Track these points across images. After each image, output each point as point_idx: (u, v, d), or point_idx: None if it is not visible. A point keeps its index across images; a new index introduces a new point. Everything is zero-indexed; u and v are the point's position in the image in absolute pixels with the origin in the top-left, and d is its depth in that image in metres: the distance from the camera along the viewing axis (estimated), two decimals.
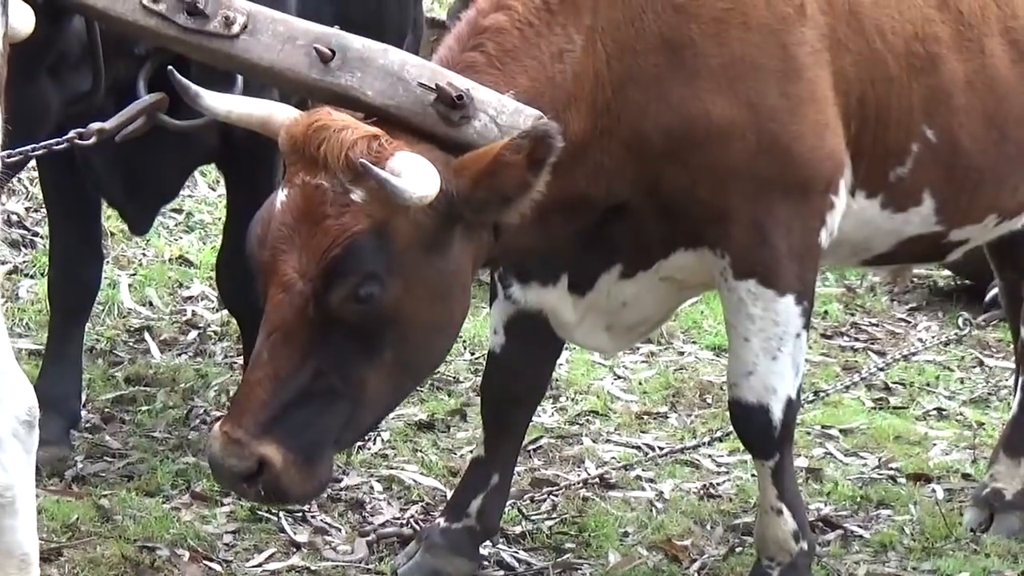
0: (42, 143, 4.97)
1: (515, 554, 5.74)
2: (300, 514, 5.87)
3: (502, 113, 4.65)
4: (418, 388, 6.59)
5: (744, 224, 5.08)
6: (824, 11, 5.07)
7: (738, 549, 5.84)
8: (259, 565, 5.51)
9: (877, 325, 8.08)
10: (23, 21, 4.18)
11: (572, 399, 6.92)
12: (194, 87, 4.70)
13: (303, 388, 4.57)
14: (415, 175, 4.40)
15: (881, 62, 5.19)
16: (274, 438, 4.51)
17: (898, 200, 5.40)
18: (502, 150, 4.51)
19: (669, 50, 4.94)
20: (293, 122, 4.62)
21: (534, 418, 5.98)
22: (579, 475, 6.40)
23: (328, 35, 4.75)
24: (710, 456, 6.58)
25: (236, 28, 4.70)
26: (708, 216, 5.09)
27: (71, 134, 4.97)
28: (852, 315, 8.15)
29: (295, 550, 5.65)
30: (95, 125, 4.97)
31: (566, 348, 6.01)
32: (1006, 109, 5.44)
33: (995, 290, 6.86)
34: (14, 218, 7.65)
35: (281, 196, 4.61)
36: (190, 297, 7.59)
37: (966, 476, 6.55)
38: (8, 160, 3.85)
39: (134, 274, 7.67)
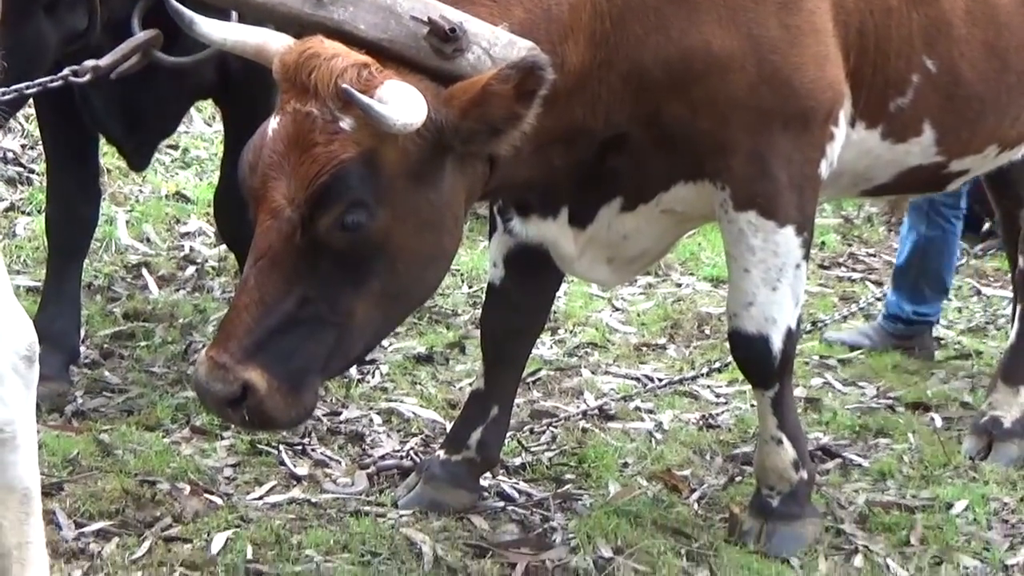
0: (38, 81, 4.96)
1: (515, 485, 5.75)
2: (300, 447, 5.89)
3: (495, 45, 4.61)
4: (416, 321, 6.60)
5: (744, 156, 5.07)
6: None
7: (737, 479, 5.86)
8: (260, 498, 5.51)
9: (874, 255, 8.09)
10: None
11: (571, 331, 6.94)
12: (189, 13, 4.66)
13: (289, 315, 4.55)
14: (401, 103, 4.38)
15: None
16: (259, 364, 4.50)
17: (898, 131, 5.40)
18: (490, 80, 4.47)
19: None
20: (287, 50, 4.59)
21: (533, 350, 5.98)
22: (578, 407, 6.42)
23: None
24: (709, 387, 6.60)
25: None
26: (708, 148, 5.08)
27: (66, 71, 4.97)
28: (849, 246, 8.17)
29: (295, 483, 5.66)
30: (90, 62, 4.96)
31: (565, 281, 5.99)
32: (1006, 38, 5.43)
33: (992, 219, 6.85)
34: (10, 155, 7.64)
35: (272, 123, 4.59)
36: (187, 233, 7.60)
37: (964, 405, 6.57)
38: (4, 98, 3.83)
39: (131, 210, 7.67)
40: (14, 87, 4.63)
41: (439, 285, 5.04)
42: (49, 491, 4.84)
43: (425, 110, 4.41)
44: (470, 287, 7.44)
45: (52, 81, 4.97)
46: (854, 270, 7.94)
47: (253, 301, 4.54)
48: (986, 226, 7.46)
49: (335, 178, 4.45)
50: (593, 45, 4.90)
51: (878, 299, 7.55)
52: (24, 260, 6.67)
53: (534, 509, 5.61)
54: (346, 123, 4.45)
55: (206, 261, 7.33)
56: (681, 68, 4.93)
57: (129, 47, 5.03)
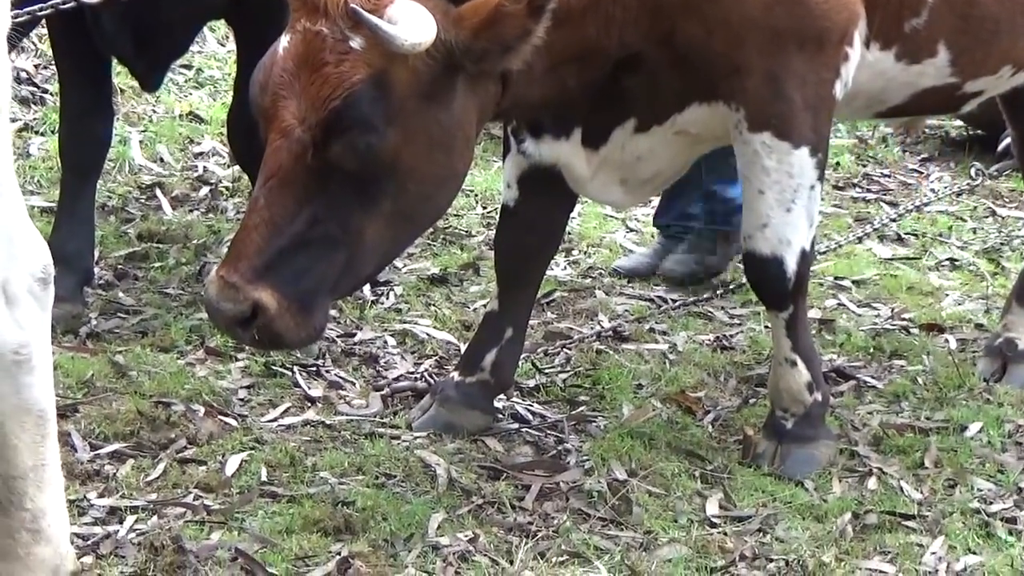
0: (49, 2, 4.95)
1: (529, 407, 5.76)
2: (314, 369, 5.90)
3: None
4: (430, 242, 6.60)
5: (759, 77, 5.06)
6: None
7: (751, 401, 5.86)
8: (274, 420, 5.54)
9: (889, 176, 8.08)
10: None
11: (585, 252, 6.94)
12: None
13: (300, 235, 4.60)
14: (410, 23, 4.40)
15: None
16: (269, 283, 4.55)
17: (913, 52, 5.38)
18: (506, 2, 4.49)
19: None
20: None
21: (547, 272, 5.97)
22: (592, 328, 6.43)
23: None
24: (723, 308, 6.60)
25: None
26: (723, 69, 5.06)
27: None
28: (864, 166, 8.15)
29: (309, 404, 5.68)
30: None
31: (579, 202, 5.98)
32: None
33: (1007, 140, 6.83)
34: (23, 75, 7.64)
35: (283, 42, 4.63)
36: (201, 153, 7.60)
37: (979, 326, 6.57)
38: (17, 20, 3.82)
39: (145, 131, 7.67)
40: (27, 9, 4.63)
41: (450, 205, 5.06)
42: (64, 413, 4.86)
43: (434, 30, 4.43)
44: (484, 208, 7.43)
45: (64, 2, 4.96)
46: (869, 191, 7.92)
47: (263, 221, 4.58)
48: (1001, 146, 7.43)
49: (346, 100, 4.48)
50: None
51: (893, 220, 7.54)
52: (38, 180, 6.68)
53: (548, 431, 5.62)
54: (356, 43, 4.48)
55: (220, 181, 7.33)
56: None
57: None
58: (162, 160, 7.50)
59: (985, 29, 5.46)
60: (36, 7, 4.85)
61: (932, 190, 7.93)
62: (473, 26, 4.54)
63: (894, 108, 5.73)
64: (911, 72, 5.45)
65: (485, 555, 4.79)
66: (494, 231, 5.77)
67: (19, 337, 3.86)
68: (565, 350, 6.22)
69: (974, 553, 5.00)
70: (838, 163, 8.23)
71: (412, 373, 5.95)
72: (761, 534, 5.04)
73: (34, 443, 4.00)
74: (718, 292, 6.73)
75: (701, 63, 5.05)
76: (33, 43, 7.03)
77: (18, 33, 4.34)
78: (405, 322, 6.33)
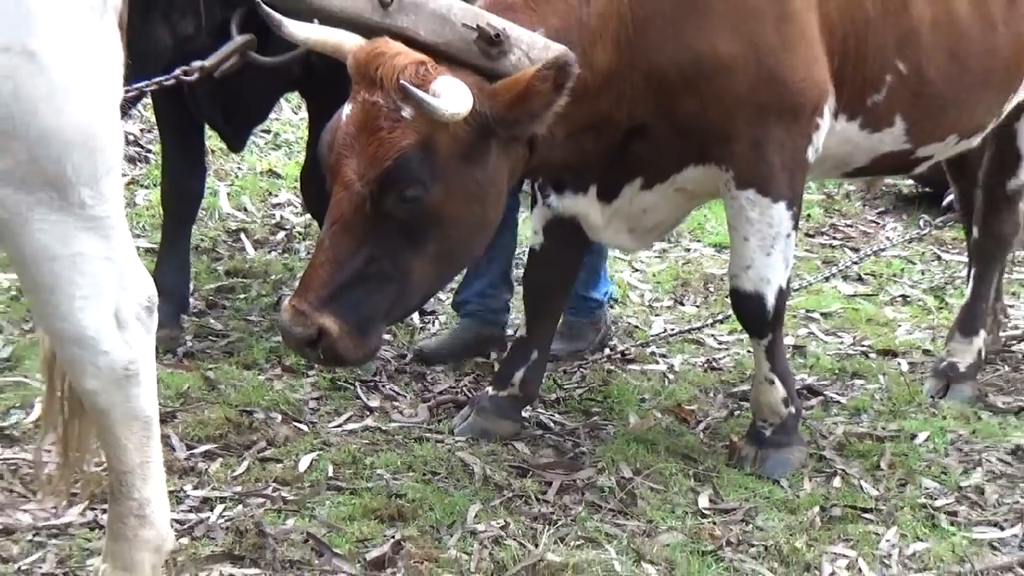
0: (154, 79, 4.99)
1: (551, 417, 5.77)
2: (372, 384, 5.92)
3: (533, 48, 4.68)
4: None
5: (745, 143, 5.07)
6: None
7: (736, 413, 5.87)
8: (339, 426, 5.56)
9: (852, 226, 8.08)
10: None
11: None
12: (279, 16, 4.73)
13: (358, 271, 4.62)
14: (451, 96, 4.44)
15: (860, 6, 5.17)
16: (332, 311, 4.57)
17: (874, 122, 5.39)
18: (532, 81, 4.53)
19: None
20: (359, 48, 4.65)
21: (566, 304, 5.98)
22: (603, 352, 6.41)
23: None
24: (713, 336, 6.60)
25: None
26: (715, 137, 5.08)
27: (177, 71, 4.99)
28: (831, 218, 8.15)
29: (368, 413, 5.69)
30: (197, 63, 4.99)
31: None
32: (965, 46, 5.42)
33: (951, 197, 6.83)
34: (131, 138, 7.67)
35: (346, 110, 4.66)
36: (278, 204, 7.62)
37: (926, 352, 6.56)
38: (127, 94, 3.86)
39: (231, 185, 7.70)
40: (136, 85, 4.66)
41: (484, 248, 5.05)
42: (165, 419, 4.86)
43: (471, 102, 4.47)
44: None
45: (166, 79, 4.99)
46: (834, 238, 7.93)
47: (328, 259, 4.60)
48: (945, 201, 7.41)
49: (397, 160, 4.51)
50: (618, 49, 4.91)
51: (854, 263, 7.54)
52: (143, 226, 6.70)
53: (567, 437, 5.63)
54: (406, 112, 4.51)
55: (293, 227, 7.35)
56: (693, 69, 4.93)
57: (229, 49, 5.05)
58: (246, 209, 7.52)
59: (935, 104, 5.47)
60: (143, 83, 4.88)
61: (887, 238, 7.93)
62: (506, 100, 4.57)
63: (857, 169, 5.74)
64: (872, 139, 5.46)
65: (514, 539, 4.80)
66: (523, 270, 5.76)
67: (128, 355, 3.87)
68: (581, 370, 6.23)
69: (922, 541, 5.00)
70: (809, 215, 8.23)
71: (453, 388, 5.98)
72: (744, 524, 5.04)
73: (140, 444, 4.01)
74: (709, 322, 6.74)
75: (697, 132, 5.06)
76: (139, 111, 7.03)
77: (128, 104, 4.38)
78: None
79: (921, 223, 7.94)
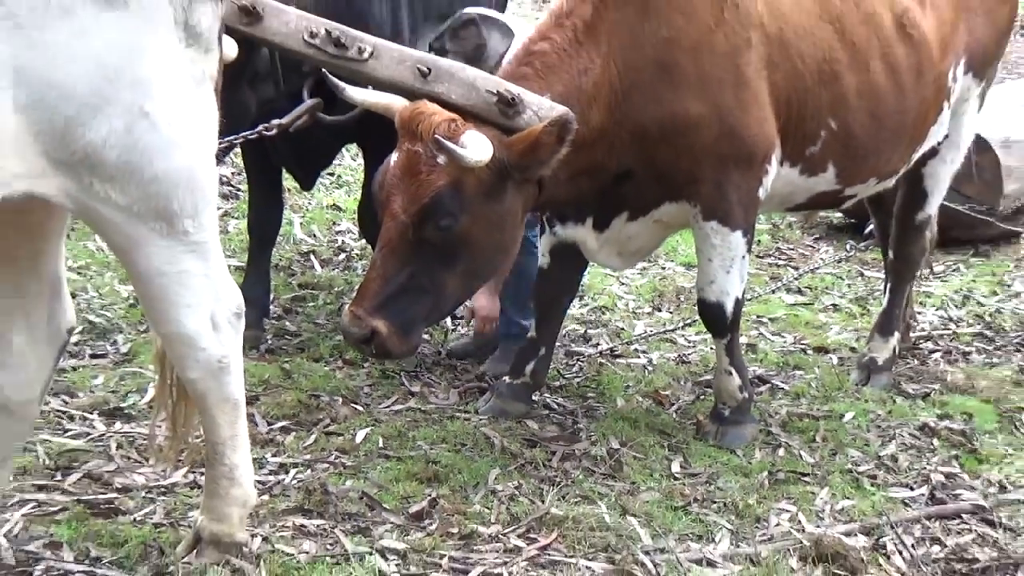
0: (242, 134, 5.00)
1: (555, 400, 5.76)
2: (414, 373, 5.91)
3: (541, 109, 4.70)
4: None
5: (710, 184, 5.07)
6: (763, 42, 5.04)
7: (702, 397, 5.85)
8: (387, 406, 5.55)
9: (793, 249, 8.07)
10: (231, 50, 4.19)
11: (592, 298, 6.94)
12: (342, 84, 4.81)
13: (402, 284, 4.65)
14: (475, 147, 4.51)
15: (800, 77, 5.16)
16: (382, 316, 4.62)
17: (811, 168, 5.38)
18: (541, 134, 4.58)
19: (661, 68, 4.91)
20: (404, 108, 4.71)
21: (567, 311, 5.96)
22: (596, 348, 6.41)
23: (425, 58, 4.85)
24: (683, 336, 6.59)
25: (366, 55, 4.74)
26: (686, 179, 5.07)
27: (260, 128, 5.00)
28: (776, 243, 8.14)
29: (410, 397, 5.68)
30: (276, 121, 5.00)
31: (589, 265, 5.96)
32: (883, 108, 5.41)
33: (871, 226, 6.81)
34: (224, 179, 7.68)
35: (393, 157, 4.71)
36: (340, 231, 7.64)
37: (852, 349, 6.55)
38: (221, 146, 3.88)
39: (303, 216, 7.71)
40: (228, 138, 4.68)
41: (504, 267, 5.05)
42: (250, 401, 4.87)
43: (491, 152, 4.53)
44: None
45: (251, 134, 5.00)
46: (779, 258, 7.92)
47: (379, 275, 4.65)
48: (867, 230, 7.39)
49: (434, 197, 4.56)
50: (609, 111, 4.92)
51: (795, 279, 7.53)
52: (233, 249, 6.71)
53: (567, 416, 5.62)
54: (440, 159, 4.56)
55: (352, 250, 7.35)
56: (668, 126, 4.93)
57: (302, 110, 5.05)
58: (314, 235, 7.53)
59: (859, 154, 5.46)
60: (233, 137, 4.90)
61: (821, 259, 7.92)
62: (520, 150, 4.60)
63: (798, 205, 5.74)
64: (809, 182, 5.45)
65: (526, 497, 4.80)
66: (534, 285, 5.75)
67: (222, 351, 3.89)
68: (579, 363, 6.21)
69: (848, 499, 5.00)
70: (760, 240, 8.20)
71: (478, 377, 5.96)
72: (708, 485, 5.04)
73: (231, 421, 4.03)
74: (681, 325, 6.72)
75: (671, 176, 5.06)
76: (231, 158, 7.04)
77: (222, 153, 4.39)
78: None
79: (848, 247, 7.93)
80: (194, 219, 3.66)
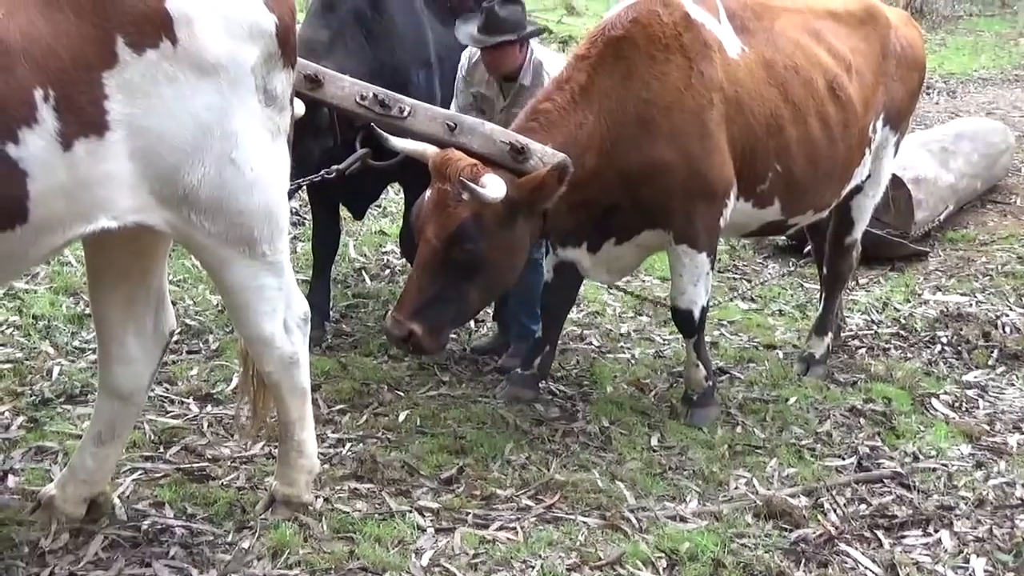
0: (307, 177, 5.01)
1: (557, 387, 5.73)
2: (444, 366, 5.86)
3: (545, 156, 4.73)
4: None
5: (681, 215, 5.06)
6: (722, 102, 5.03)
7: (675, 385, 5.81)
8: (423, 392, 5.51)
9: (747, 265, 8.04)
10: (300, 108, 4.20)
11: (586, 305, 6.91)
12: (387, 135, 4.82)
13: (434, 295, 4.67)
14: (492, 187, 4.53)
15: (752, 129, 5.15)
16: (417, 319, 4.64)
17: (761, 203, 5.37)
18: (545, 177, 4.62)
19: (641, 123, 4.91)
20: (436, 154, 4.74)
21: (567, 316, 5.94)
22: (590, 346, 6.37)
23: (452, 116, 4.91)
24: (659, 336, 6.55)
25: (405, 113, 4.79)
26: (662, 212, 5.07)
27: (322, 172, 5.01)
28: (734, 260, 8.10)
29: (443, 384, 5.64)
30: (334, 167, 5.00)
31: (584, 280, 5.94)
32: (818, 154, 5.40)
33: (809, 247, 6.79)
34: (293, 210, 7.68)
35: (427, 193, 4.74)
36: (386, 252, 7.61)
37: (795, 346, 6.51)
38: (291, 188, 3.89)
39: (356, 239, 7.70)
40: (297, 181, 4.71)
41: (515, 280, 5.03)
42: (314, 388, 4.85)
43: (505, 190, 4.55)
44: None
45: (315, 177, 5.01)
46: (736, 273, 7.88)
47: (415, 287, 4.69)
48: (805, 250, 7.35)
49: (459, 227, 4.59)
50: (601, 156, 4.93)
51: (749, 289, 7.50)
52: (300, 265, 6.70)
53: (567, 400, 5.59)
54: (464, 196, 4.58)
55: (395, 267, 7.34)
56: (648, 170, 4.94)
57: (355, 157, 5.05)
58: (365, 255, 7.52)
59: (799, 191, 5.45)
60: (301, 180, 4.92)
61: (769, 273, 7.88)
62: (528, 189, 4.65)
63: (751, 231, 5.73)
64: (759, 213, 5.44)
65: (535, 466, 4.81)
66: (540, 296, 5.72)
67: (292, 350, 3.90)
68: (576, 357, 6.18)
69: (793, 467, 5.00)
70: (720, 259, 8.15)
71: (496, 368, 5.92)
72: (680, 456, 5.03)
73: (299, 405, 4.04)
74: (656, 326, 6.69)
75: (650, 208, 5.06)
76: (298, 194, 7.04)
77: (292, 191, 4.40)
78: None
79: (791, 263, 7.89)
80: (270, 244, 3.68)
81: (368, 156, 5.11)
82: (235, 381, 5.20)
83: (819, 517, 4.54)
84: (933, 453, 5.20)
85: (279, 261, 3.74)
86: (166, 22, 3.25)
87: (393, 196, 8.14)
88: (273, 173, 3.62)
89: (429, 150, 4.78)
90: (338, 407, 5.25)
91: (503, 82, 5.59)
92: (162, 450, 4.69)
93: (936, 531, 4.51)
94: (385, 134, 4.81)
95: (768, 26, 5.35)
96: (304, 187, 5.84)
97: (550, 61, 5.62)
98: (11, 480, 4.33)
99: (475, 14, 5.59)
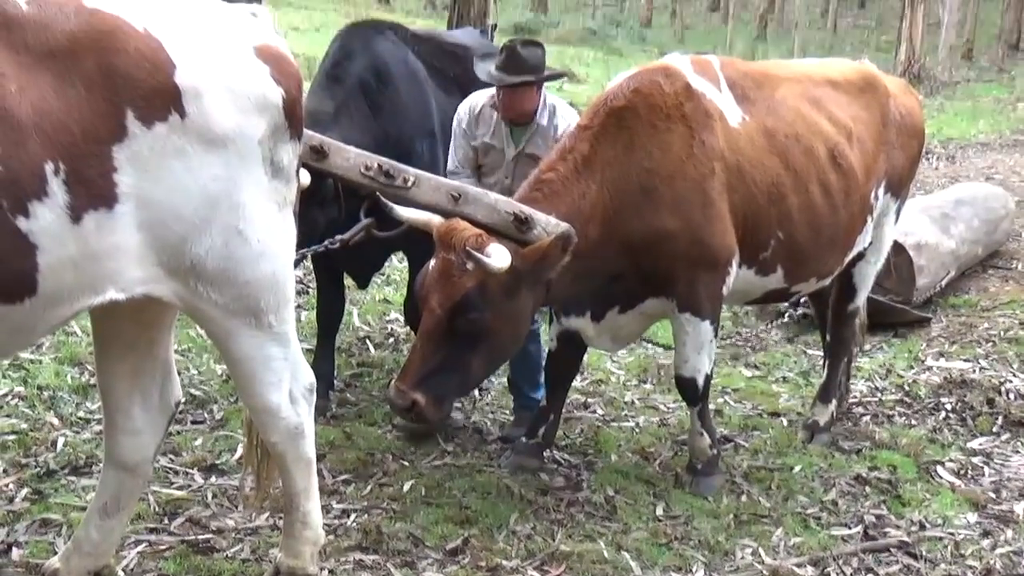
0: (313, 246, 5.03)
1: (562, 456, 5.71)
2: (445, 435, 5.85)
3: (549, 226, 4.74)
4: (506, 368, 6.57)
5: (684, 283, 5.09)
6: (724, 171, 5.07)
7: (679, 453, 5.80)
8: (428, 462, 5.50)
9: (750, 332, 8.03)
10: (305, 178, 4.23)
11: (590, 373, 6.91)
12: (391, 205, 4.82)
13: (438, 364, 4.64)
14: (497, 257, 4.53)
15: (754, 197, 5.19)
16: (421, 389, 4.60)
17: (763, 270, 5.39)
18: (549, 246, 4.63)
19: (644, 192, 4.95)
20: (440, 224, 4.75)
21: (571, 384, 5.93)
22: (595, 414, 6.37)
23: (457, 186, 4.90)
24: (663, 404, 6.55)
25: (410, 183, 4.80)
26: (665, 280, 5.09)
27: (326, 242, 5.04)
28: (737, 328, 8.11)
29: (447, 454, 5.63)
30: (339, 237, 5.03)
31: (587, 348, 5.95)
32: (819, 222, 5.44)
33: (811, 312, 6.81)
34: (297, 279, 7.67)
35: (432, 263, 4.74)
36: (390, 320, 7.61)
37: (799, 413, 6.50)
38: (297, 257, 3.90)
39: (360, 308, 7.70)
40: (302, 250, 4.72)
41: (518, 349, 5.04)
42: (319, 458, 4.82)
43: (509, 260, 4.54)
44: None
45: (320, 247, 5.04)
46: (738, 340, 7.89)
47: (419, 356, 4.66)
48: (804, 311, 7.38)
49: (463, 296, 4.57)
50: (603, 226, 4.96)
51: (752, 355, 7.50)
52: (305, 335, 6.69)
53: (572, 469, 5.58)
54: (469, 265, 4.58)
55: (399, 336, 7.34)
56: (650, 238, 4.96)
57: (359, 227, 5.08)
58: (369, 324, 7.52)
59: (801, 259, 5.48)
60: (306, 249, 4.93)
61: (773, 340, 7.89)
62: (532, 259, 4.65)
63: (754, 299, 5.76)
64: (763, 281, 5.46)
65: (540, 536, 4.78)
66: (545, 363, 5.73)
67: (298, 420, 3.89)
68: (580, 425, 6.17)
69: (798, 536, 4.99)
70: (723, 326, 8.16)
71: (500, 437, 5.91)
72: (685, 525, 5.01)
73: (305, 475, 4.02)
74: (660, 394, 6.68)
75: (653, 277, 5.08)
76: (304, 264, 7.06)
77: (297, 261, 4.41)
78: (495, 411, 6.27)
79: (794, 330, 7.91)
80: (276, 314, 3.68)
81: (372, 226, 5.14)
82: (240, 451, 5.19)
83: None
84: (939, 521, 5.18)
85: (285, 331, 3.74)
86: (175, 96, 3.28)
87: (397, 264, 8.17)
88: (279, 244, 3.64)
89: (434, 220, 4.80)
90: (343, 477, 5.23)
91: (513, 127, 5.54)
92: (166, 522, 4.66)
93: None
94: (390, 204, 4.84)
95: (769, 95, 5.41)
96: (309, 256, 5.86)
97: (562, 105, 5.62)
98: (15, 553, 4.31)
99: (493, 54, 5.55)
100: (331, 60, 5.86)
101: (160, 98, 3.26)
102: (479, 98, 5.60)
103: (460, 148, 5.64)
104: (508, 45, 5.36)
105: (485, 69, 5.41)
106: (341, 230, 5.14)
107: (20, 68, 3.06)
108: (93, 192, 3.18)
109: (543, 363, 5.70)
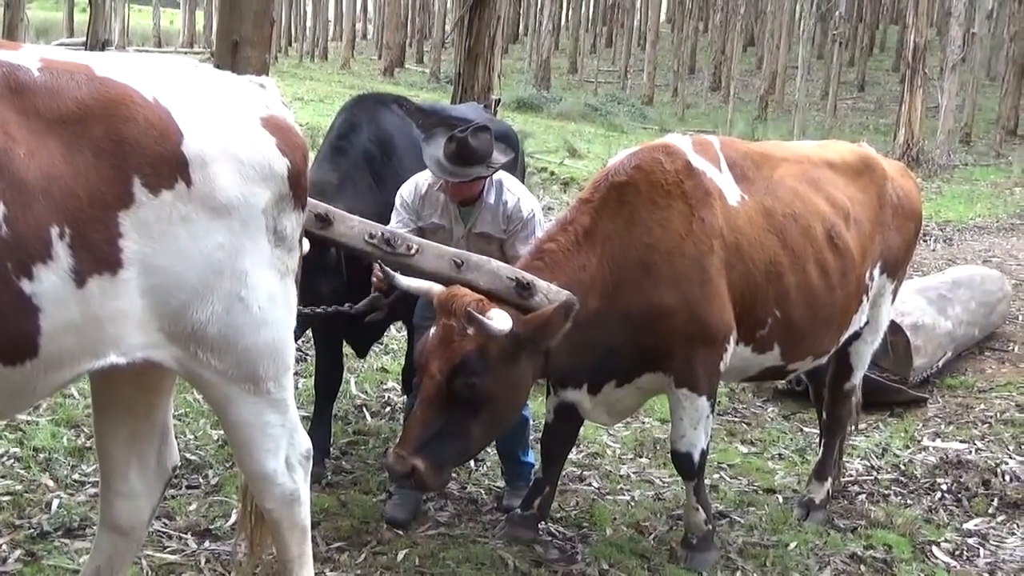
0: (316, 314, 5.05)
1: (557, 529, 5.69)
2: (440, 506, 5.83)
3: (550, 293, 4.78)
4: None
5: (681, 359, 5.09)
6: (723, 249, 5.10)
7: (674, 528, 5.78)
8: (423, 532, 5.48)
9: (746, 408, 8.02)
10: (306, 246, 4.24)
11: (586, 446, 6.89)
12: (393, 273, 4.84)
13: (437, 431, 4.63)
14: (498, 322, 4.54)
15: (752, 275, 5.21)
16: (420, 456, 4.58)
17: (760, 348, 5.40)
18: (552, 313, 4.63)
19: (643, 267, 4.98)
20: (441, 291, 4.77)
21: (567, 457, 5.92)
22: (589, 486, 6.35)
23: (459, 254, 4.90)
24: (659, 478, 6.52)
25: (412, 251, 4.80)
26: (662, 355, 5.10)
27: (331, 309, 5.05)
28: (733, 404, 8.09)
29: (442, 524, 5.61)
30: (355, 306, 5.08)
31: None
32: (816, 301, 5.46)
33: (809, 388, 6.81)
34: (297, 347, 7.69)
35: (433, 329, 4.75)
36: (387, 389, 7.61)
37: (795, 490, 6.48)
38: (297, 327, 3.91)
39: (358, 376, 7.70)
40: (314, 309, 4.76)
41: (517, 417, 5.04)
42: (313, 525, 4.82)
43: (510, 325, 4.55)
44: (534, 421, 7.39)
45: (331, 309, 5.09)
46: (735, 416, 7.87)
47: (418, 422, 4.64)
48: (803, 390, 7.37)
49: (462, 361, 4.57)
50: (603, 297, 4.97)
51: (747, 431, 7.49)
52: (302, 402, 6.69)
53: (567, 541, 5.55)
54: (470, 330, 4.58)
55: (396, 404, 7.33)
56: (649, 313, 4.98)
57: (367, 301, 5.13)
58: (366, 392, 7.52)
59: (798, 337, 5.49)
60: (312, 312, 4.96)
61: (769, 417, 7.88)
62: (533, 325, 4.66)
63: (750, 376, 5.74)
64: (759, 358, 5.46)
65: None
66: (541, 436, 5.72)
67: (293, 487, 3.88)
68: (576, 498, 6.15)
69: None
70: (720, 402, 8.16)
71: (495, 508, 5.88)
72: None
73: (299, 542, 4.00)
74: (655, 469, 6.66)
75: (650, 352, 5.08)
76: (306, 334, 7.08)
77: (298, 330, 4.42)
78: (491, 481, 6.25)
79: (789, 407, 7.90)
80: (275, 381, 3.69)
81: (380, 300, 5.17)
82: (234, 517, 5.17)
83: None
84: None
85: (284, 398, 3.75)
86: (182, 164, 3.32)
87: (395, 333, 8.17)
88: (280, 312, 3.65)
89: (434, 288, 4.83)
90: (336, 545, 5.21)
91: (460, 208, 5.53)
92: None
93: None
94: (393, 273, 4.86)
95: (767, 175, 5.46)
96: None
97: (509, 179, 5.62)
98: None
99: (440, 134, 5.39)
100: (336, 132, 5.93)
101: (167, 166, 3.30)
102: (422, 178, 5.57)
103: (399, 224, 5.51)
104: (459, 136, 5.24)
105: (435, 159, 5.31)
106: (339, 300, 5.16)
107: (30, 133, 3.09)
108: (98, 257, 3.20)
109: (529, 425, 5.69)
